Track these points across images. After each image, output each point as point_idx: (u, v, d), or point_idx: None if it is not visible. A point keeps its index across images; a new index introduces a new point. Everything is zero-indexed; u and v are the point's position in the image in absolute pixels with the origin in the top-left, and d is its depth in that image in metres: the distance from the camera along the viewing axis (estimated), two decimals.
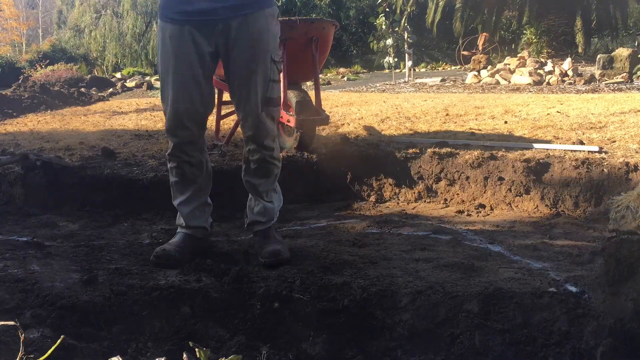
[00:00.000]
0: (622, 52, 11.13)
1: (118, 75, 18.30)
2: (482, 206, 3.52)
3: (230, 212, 3.48)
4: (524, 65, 12.06)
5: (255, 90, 2.49)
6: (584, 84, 10.44)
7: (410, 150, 3.95)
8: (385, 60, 14.06)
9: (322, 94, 4.56)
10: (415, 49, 16.19)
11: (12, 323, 1.15)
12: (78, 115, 7.95)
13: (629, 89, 9.48)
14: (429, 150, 3.88)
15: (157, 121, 6.81)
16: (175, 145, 2.53)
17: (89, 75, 16.19)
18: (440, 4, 16.49)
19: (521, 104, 6.81)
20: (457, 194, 3.69)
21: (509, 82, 11.30)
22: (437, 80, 12.76)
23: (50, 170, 3.56)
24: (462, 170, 3.69)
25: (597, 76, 10.83)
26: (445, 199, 3.71)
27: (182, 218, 2.64)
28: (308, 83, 5.88)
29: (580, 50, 15.20)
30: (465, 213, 3.45)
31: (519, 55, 13.47)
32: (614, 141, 4.04)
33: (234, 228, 3.22)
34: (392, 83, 12.75)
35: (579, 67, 12.02)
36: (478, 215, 3.39)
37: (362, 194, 3.88)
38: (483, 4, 16.02)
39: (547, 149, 3.82)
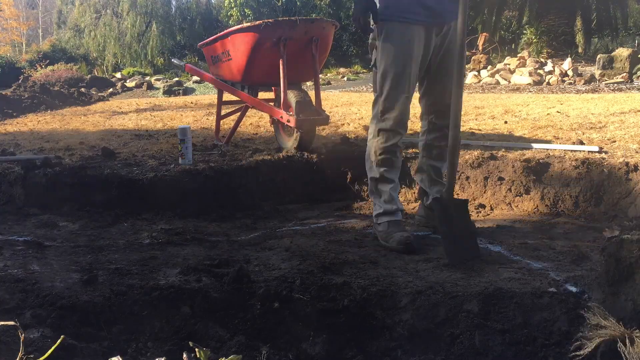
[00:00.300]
0: (622, 52, 11.14)
1: (118, 75, 18.31)
2: (482, 206, 3.52)
3: (230, 212, 3.48)
4: (524, 65, 12.06)
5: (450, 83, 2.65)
6: (584, 84, 10.44)
7: (410, 150, 3.94)
8: None
9: (322, 94, 4.56)
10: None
11: (12, 323, 1.15)
12: (78, 115, 7.95)
13: (629, 89, 9.48)
14: None
15: (157, 121, 6.82)
16: (399, 136, 2.74)
17: (89, 75, 16.20)
18: None
19: (521, 104, 6.81)
20: (457, 194, 3.68)
21: (509, 82, 11.30)
22: None
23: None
24: (462, 170, 3.68)
25: (597, 76, 10.83)
26: None
27: (396, 203, 2.80)
28: (308, 83, 5.89)
29: (580, 50, 15.19)
30: None
31: (519, 55, 13.47)
32: (614, 141, 4.04)
33: (234, 228, 3.22)
34: None
35: (579, 67, 12.02)
36: (478, 215, 3.39)
37: (362, 194, 3.88)
38: (483, 4, 16.01)
39: (547, 149, 3.82)
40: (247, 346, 1.91)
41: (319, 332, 2.05)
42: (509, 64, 12.34)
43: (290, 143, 4.16)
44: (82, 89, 12.67)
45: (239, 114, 4.95)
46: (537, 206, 3.38)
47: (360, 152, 4.03)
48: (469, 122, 5.44)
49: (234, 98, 4.86)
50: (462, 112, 6.69)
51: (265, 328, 2.05)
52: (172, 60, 6.62)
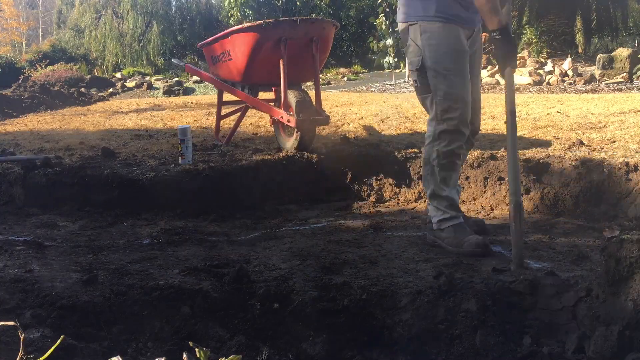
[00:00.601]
0: (622, 52, 11.13)
1: (118, 75, 18.30)
2: (482, 206, 3.52)
3: (230, 212, 3.48)
4: (524, 65, 12.07)
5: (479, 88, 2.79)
6: (584, 84, 10.44)
7: (410, 150, 3.95)
8: (385, 60, 14.09)
9: (322, 94, 4.56)
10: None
11: (12, 323, 1.15)
12: (78, 115, 7.95)
13: (629, 89, 9.49)
14: None
15: (157, 121, 6.82)
16: (464, 137, 2.65)
17: (89, 75, 16.19)
18: None
19: (521, 104, 6.82)
20: None
21: None
22: None
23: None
24: (462, 170, 3.68)
25: (597, 76, 10.83)
26: None
27: (458, 208, 2.76)
28: (308, 83, 5.88)
29: (580, 50, 15.20)
30: (465, 213, 3.44)
31: (518, 55, 13.47)
32: (614, 141, 4.04)
33: (234, 228, 3.22)
34: (392, 83, 12.75)
35: (579, 67, 12.01)
36: (478, 216, 3.38)
37: (362, 194, 3.88)
38: None
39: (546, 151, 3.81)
40: (247, 346, 1.91)
41: (319, 332, 2.05)
42: None
43: (290, 143, 4.16)
44: (82, 89, 12.67)
45: (239, 114, 4.95)
46: (537, 206, 3.38)
47: (360, 152, 4.04)
48: None
49: (234, 98, 4.86)
50: None
51: (265, 328, 2.05)
52: (172, 60, 6.62)
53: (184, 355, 1.18)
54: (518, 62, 12.35)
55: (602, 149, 3.79)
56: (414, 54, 2.64)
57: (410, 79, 2.76)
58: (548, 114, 5.77)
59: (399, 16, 2.73)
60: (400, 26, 2.72)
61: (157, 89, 14.48)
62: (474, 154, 3.70)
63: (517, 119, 2.42)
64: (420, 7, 2.61)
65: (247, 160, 3.86)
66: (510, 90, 2.40)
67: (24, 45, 33.17)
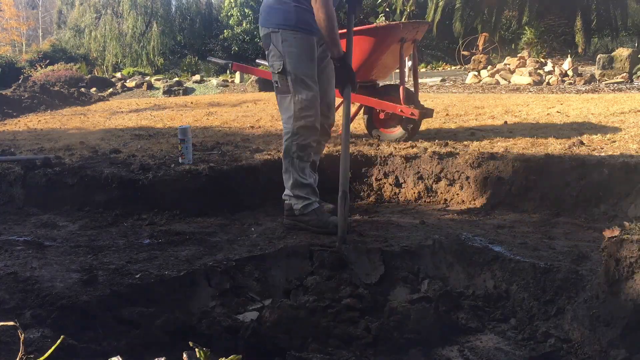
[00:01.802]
0: (622, 52, 11.14)
1: (118, 75, 18.31)
2: (482, 206, 3.52)
3: (230, 212, 3.48)
4: (524, 65, 12.07)
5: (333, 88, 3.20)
6: (584, 84, 10.45)
7: (411, 151, 3.95)
8: None
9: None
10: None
11: (12, 323, 1.14)
12: (78, 115, 7.95)
13: (629, 89, 9.49)
14: (429, 150, 3.87)
15: (157, 121, 6.82)
16: (318, 132, 3.03)
17: (89, 75, 16.19)
18: (440, 4, 16.51)
19: (521, 104, 6.82)
20: (457, 194, 3.68)
21: (509, 82, 11.31)
22: (437, 80, 12.77)
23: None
24: (462, 170, 3.68)
25: (597, 76, 10.84)
26: (445, 199, 3.71)
27: (314, 193, 3.11)
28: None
29: (580, 50, 15.20)
30: (466, 213, 3.44)
31: (519, 55, 13.47)
32: (614, 141, 4.04)
33: (234, 228, 3.22)
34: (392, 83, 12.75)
35: (579, 67, 12.02)
36: (478, 215, 3.38)
37: (362, 194, 3.88)
38: (483, 4, 16.03)
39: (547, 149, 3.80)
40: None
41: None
42: (509, 64, 12.35)
43: (396, 134, 4.66)
44: (82, 89, 12.68)
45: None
46: (537, 206, 3.38)
47: (359, 152, 4.03)
48: (469, 122, 5.44)
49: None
50: (463, 112, 6.67)
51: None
52: (210, 58, 6.37)
53: (184, 355, 1.18)
54: (518, 62, 12.36)
55: (602, 149, 3.79)
56: (275, 58, 2.92)
57: (272, 79, 3.04)
58: (548, 114, 5.78)
59: (262, 21, 2.99)
60: (263, 31, 2.98)
61: (157, 89, 14.49)
62: (474, 154, 3.70)
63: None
64: (282, 16, 2.89)
65: (247, 160, 3.86)
66: (348, 105, 2.92)
67: (24, 45, 33.20)
